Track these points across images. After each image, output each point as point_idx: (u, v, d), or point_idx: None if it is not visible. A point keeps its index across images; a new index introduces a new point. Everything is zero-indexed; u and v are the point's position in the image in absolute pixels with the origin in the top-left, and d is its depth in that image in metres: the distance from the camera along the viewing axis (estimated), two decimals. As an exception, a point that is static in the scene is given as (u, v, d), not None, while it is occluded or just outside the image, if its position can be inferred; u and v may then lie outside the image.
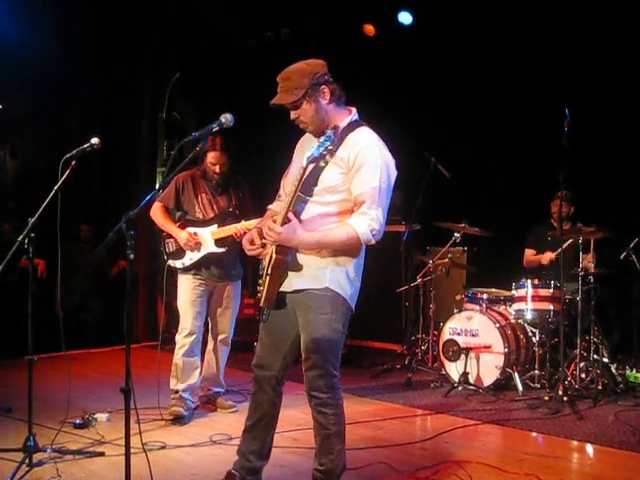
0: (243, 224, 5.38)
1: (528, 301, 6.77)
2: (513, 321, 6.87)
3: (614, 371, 6.57)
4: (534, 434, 5.25)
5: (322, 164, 3.40)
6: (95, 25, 9.01)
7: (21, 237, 4.27)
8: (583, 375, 6.42)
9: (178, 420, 5.40)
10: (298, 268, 3.54)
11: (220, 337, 5.82)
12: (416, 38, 8.18)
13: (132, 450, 3.41)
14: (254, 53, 9.38)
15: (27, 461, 4.28)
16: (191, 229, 5.57)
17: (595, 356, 6.53)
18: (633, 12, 6.75)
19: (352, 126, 3.57)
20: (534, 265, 7.36)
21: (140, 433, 3.74)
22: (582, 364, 6.41)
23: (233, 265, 5.77)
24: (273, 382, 3.81)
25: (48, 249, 5.35)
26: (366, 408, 6.05)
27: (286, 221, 3.43)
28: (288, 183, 3.70)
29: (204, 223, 5.60)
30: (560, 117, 5.81)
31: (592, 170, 7.24)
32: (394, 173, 3.57)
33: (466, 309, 6.95)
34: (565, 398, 5.87)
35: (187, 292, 5.63)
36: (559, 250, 6.38)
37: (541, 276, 6.99)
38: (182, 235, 5.52)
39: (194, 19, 9.13)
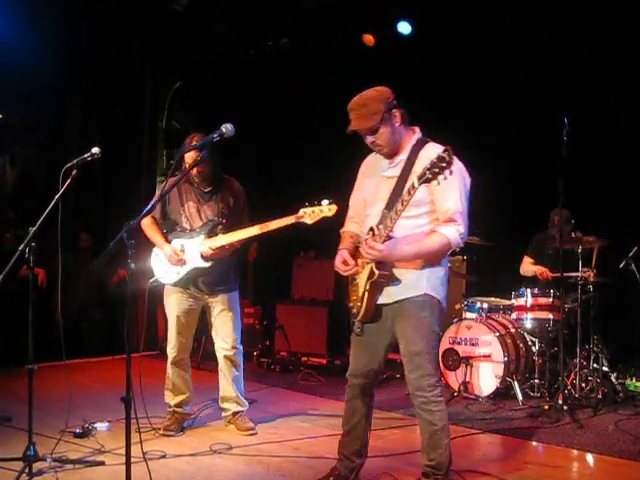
0: (233, 235, 5.12)
1: (528, 310, 6.77)
2: (513, 330, 6.88)
3: (614, 380, 6.57)
4: (534, 443, 5.24)
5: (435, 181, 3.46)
6: (95, 34, 9.03)
7: (22, 246, 4.28)
8: (583, 384, 6.42)
9: (168, 435, 5.31)
10: (397, 280, 3.79)
11: (223, 353, 5.47)
12: (415, 48, 8.21)
13: (132, 459, 3.42)
14: (254, 62, 9.41)
15: (27, 470, 4.27)
16: (178, 241, 5.30)
17: (595, 365, 6.54)
18: (632, 14, 6.77)
19: (421, 143, 3.84)
20: (530, 274, 7.35)
21: (141, 442, 3.75)
22: (582, 373, 6.41)
23: (225, 276, 5.43)
24: (368, 389, 4.10)
25: (48, 258, 5.36)
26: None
27: (387, 238, 3.64)
28: (357, 204, 4.14)
29: (191, 234, 5.28)
30: (558, 126, 5.83)
31: (591, 178, 7.26)
32: (469, 179, 3.87)
33: (466, 318, 6.96)
34: (565, 407, 5.87)
35: (172, 307, 5.41)
36: (557, 274, 6.38)
37: (540, 285, 6.99)
38: (166, 249, 5.27)
39: (194, 29, 9.16)
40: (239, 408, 5.54)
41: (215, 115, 8.77)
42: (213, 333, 5.54)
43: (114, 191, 9.82)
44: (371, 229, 3.77)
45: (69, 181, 4.40)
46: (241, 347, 5.58)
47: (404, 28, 8.28)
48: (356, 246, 3.98)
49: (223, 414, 5.60)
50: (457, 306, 7.36)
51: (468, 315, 7.04)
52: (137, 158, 9.94)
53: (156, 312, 9.30)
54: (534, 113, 7.43)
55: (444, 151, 3.39)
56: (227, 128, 3.87)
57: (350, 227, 4.21)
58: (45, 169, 9.24)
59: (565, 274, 6.27)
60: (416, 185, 3.46)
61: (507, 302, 7.17)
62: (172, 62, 9.85)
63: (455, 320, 6.93)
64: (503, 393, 6.59)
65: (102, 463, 4.59)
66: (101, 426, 5.40)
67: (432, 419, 3.83)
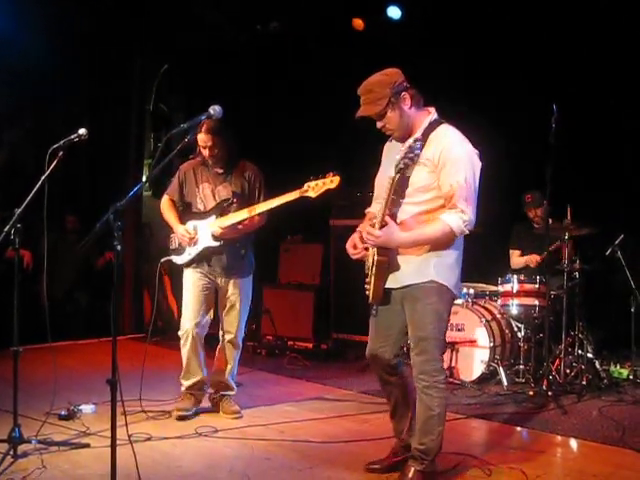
0: (241, 212, 5.15)
1: (513, 296, 6.80)
2: (499, 316, 6.90)
3: (598, 366, 6.60)
4: (519, 428, 5.27)
5: (408, 170, 3.57)
6: (82, 17, 8.94)
7: (7, 228, 4.26)
8: (568, 370, 6.45)
9: (181, 419, 5.30)
10: (402, 266, 3.83)
11: (227, 337, 5.46)
12: (405, 33, 8.18)
13: (118, 442, 3.41)
14: (243, 46, 9.36)
15: (12, 452, 4.27)
16: (192, 222, 5.33)
17: (580, 351, 6.57)
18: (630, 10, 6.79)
19: (433, 125, 3.81)
20: (521, 266, 7.36)
21: (126, 425, 3.76)
22: (567, 359, 6.45)
23: (239, 259, 5.42)
24: (388, 369, 4.11)
25: (34, 240, 5.33)
26: (352, 401, 6.06)
27: (383, 224, 3.68)
28: (379, 186, 4.02)
29: (204, 215, 5.31)
30: (547, 113, 5.83)
31: (576, 166, 7.27)
32: (478, 164, 3.82)
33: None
34: (549, 393, 5.91)
35: (188, 287, 5.40)
36: (545, 254, 6.41)
37: (527, 272, 7.01)
38: (178, 230, 5.31)
39: (183, 12, 9.10)
40: (229, 392, 5.54)
41: (203, 98, 8.73)
42: (221, 315, 5.52)
43: (101, 173, 9.79)
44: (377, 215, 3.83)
45: (55, 162, 4.38)
46: (244, 332, 5.59)
47: (394, 12, 8.25)
48: None
49: (212, 395, 5.58)
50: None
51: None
52: (124, 140, 9.90)
53: (143, 295, 9.31)
54: (525, 99, 7.42)
55: (415, 141, 3.46)
56: (215, 110, 3.86)
57: (374, 207, 4.20)
58: (31, 152, 9.17)
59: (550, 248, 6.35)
60: (392, 174, 3.56)
61: (493, 288, 7.20)
62: (160, 45, 9.78)
63: (441, 305, 6.93)
64: (488, 378, 6.63)
65: (87, 445, 4.59)
66: (86, 408, 5.41)
67: (431, 404, 3.85)
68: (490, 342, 6.49)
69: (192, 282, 5.40)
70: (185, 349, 5.40)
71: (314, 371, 7.33)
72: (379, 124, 3.83)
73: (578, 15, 7.05)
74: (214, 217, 5.25)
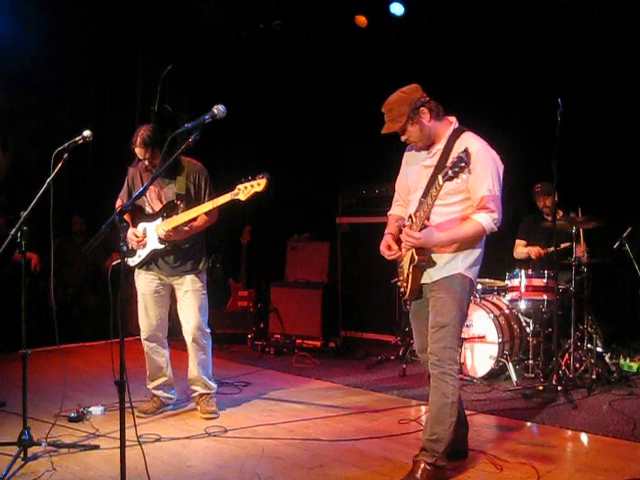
0: (182, 215, 5.15)
1: (522, 291, 6.77)
2: (507, 311, 6.88)
3: (608, 360, 6.59)
4: (529, 424, 5.26)
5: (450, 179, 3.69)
6: (86, 18, 8.95)
7: (13, 230, 4.26)
8: (577, 365, 6.44)
9: (140, 417, 5.29)
10: (435, 263, 4.06)
11: (189, 336, 5.46)
12: (408, 29, 8.17)
13: (127, 443, 3.41)
14: (246, 45, 9.36)
15: (22, 455, 4.28)
16: (142, 224, 5.37)
17: (589, 345, 6.55)
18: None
19: (457, 133, 4.07)
20: (523, 257, 7.34)
21: (135, 426, 3.76)
22: (576, 353, 6.43)
23: (189, 257, 5.41)
24: None
25: (41, 243, 5.33)
26: (361, 399, 6.06)
27: (422, 227, 3.91)
28: (402, 190, 4.40)
29: (153, 217, 5.34)
30: (552, 106, 5.81)
31: (583, 159, 7.25)
32: (502, 167, 4.08)
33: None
34: (559, 387, 5.89)
35: (140, 289, 5.47)
36: (551, 249, 6.39)
37: (534, 266, 6.99)
38: (127, 232, 5.27)
39: (185, 11, 9.10)
40: (206, 390, 5.54)
41: (207, 98, 8.74)
42: (180, 316, 5.53)
43: (106, 175, 9.77)
44: (410, 217, 4.06)
45: (60, 164, 4.39)
46: (207, 330, 5.55)
47: (397, 9, 8.23)
48: (401, 229, 4.17)
49: (192, 395, 5.62)
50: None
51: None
52: (129, 142, 9.87)
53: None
54: (528, 93, 7.39)
55: (463, 151, 3.61)
56: (219, 109, 3.85)
57: (395, 210, 4.46)
58: (37, 154, 9.19)
59: (558, 248, 6.30)
60: (440, 183, 3.72)
61: (501, 283, 7.18)
62: (164, 46, 9.78)
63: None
64: (498, 374, 6.61)
65: (97, 447, 4.59)
66: (95, 410, 5.41)
67: (446, 391, 3.98)
68: (499, 338, 6.47)
69: (143, 285, 5.46)
70: (145, 352, 5.49)
71: (323, 369, 7.32)
72: (402, 137, 4.11)
73: (584, 8, 7.02)
74: (160, 219, 5.29)
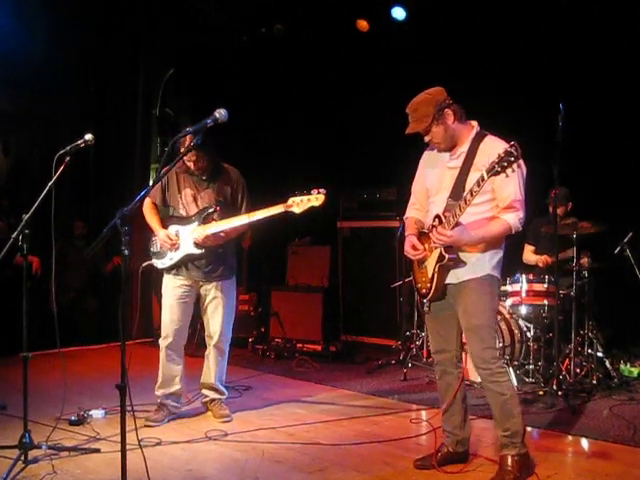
0: (223, 222, 5.17)
1: (523, 296, 6.77)
2: (507, 316, 6.87)
3: (608, 365, 6.58)
4: (529, 428, 5.22)
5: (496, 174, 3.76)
6: (87, 21, 8.96)
7: (15, 233, 4.27)
8: (578, 370, 6.43)
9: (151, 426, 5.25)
10: (463, 262, 4.10)
11: (212, 341, 5.51)
12: (410, 34, 8.18)
13: (128, 446, 3.41)
14: (247, 49, 9.37)
15: (23, 458, 4.28)
16: (174, 227, 5.33)
17: (589, 350, 6.55)
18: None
19: (479, 136, 4.15)
20: (532, 264, 7.32)
21: (136, 429, 3.75)
22: (577, 358, 6.43)
23: (221, 263, 5.42)
24: (454, 360, 4.40)
25: (42, 246, 5.34)
26: (361, 403, 6.05)
27: (455, 225, 3.95)
28: (418, 192, 4.42)
29: (186, 220, 5.31)
30: (554, 112, 5.81)
31: (584, 164, 7.24)
32: (525, 168, 4.10)
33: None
34: (560, 392, 5.88)
35: (167, 293, 5.41)
36: (556, 258, 6.36)
37: (535, 271, 6.98)
38: (160, 234, 5.31)
39: (187, 15, 9.12)
40: (217, 396, 5.57)
41: (208, 102, 8.75)
42: (205, 320, 5.54)
43: (108, 178, 9.80)
44: (437, 216, 4.06)
45: (62, 168, 4.39)
46: (230, 336, 5.59)
47: (398, 13, 8.24)
48: (420, 231, 4.28)
49: (202, 399, 5.65)
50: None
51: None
52: (131, 145, 9.90)
53: (151, 299, 9.30)
54: (530, 98, 7.39)
55: (511, 146, 3.66)
56: (221, 114, 3.84)
57: (412, 213, 4.48)
58: (38, 157, 9.21)
59: (561, 256, 6.28)
60: (485, 177, 3.76)
61: (502, 288, 7.16)
62: (165, 49, 9.80)
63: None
64: (498, 379, 6.58)
65: (97, 450, 4.60)
66: (96, 413, 5.41)
67: (500, 390, 4.06)
68: (499, 342, 6.46)
69: (170, 289, 5.41)
70: (161, 358, 5.42)
71: (323, 373, 7.32)
72: (426, 138, 4.16)
73: (586, 12, 7.02)
74: (196, 224, 5.25)
